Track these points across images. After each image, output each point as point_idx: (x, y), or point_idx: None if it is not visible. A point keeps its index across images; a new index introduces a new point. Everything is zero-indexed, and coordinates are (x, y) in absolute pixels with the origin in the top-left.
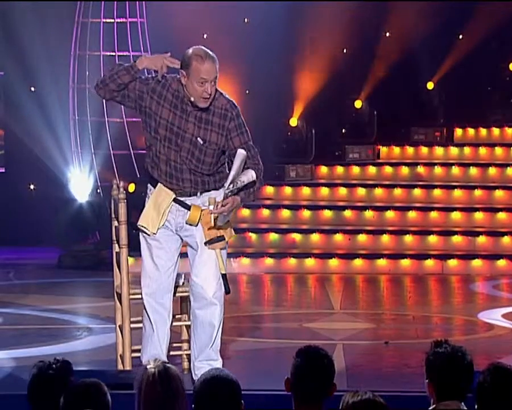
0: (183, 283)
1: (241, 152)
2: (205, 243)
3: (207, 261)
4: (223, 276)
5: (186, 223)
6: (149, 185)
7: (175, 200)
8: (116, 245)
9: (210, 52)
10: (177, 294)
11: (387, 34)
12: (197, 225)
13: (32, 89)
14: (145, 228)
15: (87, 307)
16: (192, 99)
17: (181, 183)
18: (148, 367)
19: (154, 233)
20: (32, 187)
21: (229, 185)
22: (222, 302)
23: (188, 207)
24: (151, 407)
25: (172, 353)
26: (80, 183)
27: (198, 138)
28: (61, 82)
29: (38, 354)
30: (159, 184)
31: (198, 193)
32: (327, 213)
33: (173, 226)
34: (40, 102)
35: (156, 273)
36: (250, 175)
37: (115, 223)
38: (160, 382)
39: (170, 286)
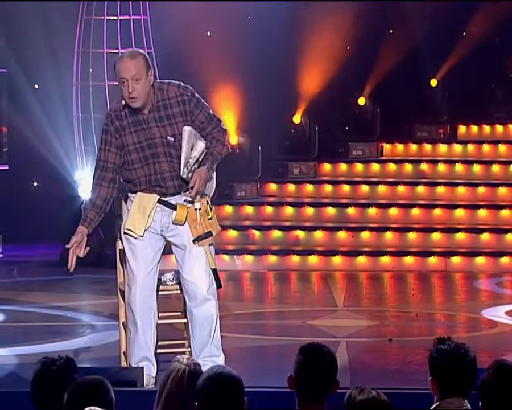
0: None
1: (185, 129)
2: (194, 241)
3: (197, 258)
4: (214, 271)
5: (173, 223)
6: (129, 194)
7: (159, 201)
8: (120, 242)
9: (135, 51)
10: (180, 292)
11: (391, 31)
12: (184, 223)
13: (36, 86)
14: (131, 231)
15: (91, 304)
16: (124, 102)
17: (164, 190)
18: (179, 361)
19: (141, 236)
20: (35, 184)
21: (184, 169)
22: (216, 296)
23: (172, 207)
24: (173, 400)
25: (175, 350)
26: (83, 180)
27: (168, 137)
28: (65, 79)
29: (41, 351)
30: (139, 192)
31: (182, 192)
32: (330, 210)
33: (159, 227)
34: (43, 99)
35: (140, 274)
36: (199, 147)
37: (119, 220)
38: (188, 379)
39: (155, 286)
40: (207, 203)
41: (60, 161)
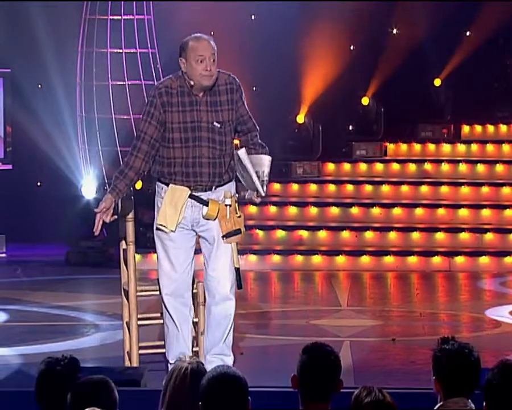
0: None
1: (242, 152)
2: (223, 236)
3: (224, 255)
4: (237, 270)
5: (204, 218)
6: (159, 184)
7: (191, 196)
8: (124, 242)
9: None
10: None
11: (394, 31)
12: (215, 219)
13: (40, 86)
14: (163, 226)
15: (95, 303)
16: (192, 83)
17: (198, 177)
18: (182, 360)
19: (172, 231)
20: (39, 183)
21: (263, 187)
22: (235, 295)
23: (203, 202)
24: (177, 399)
25: None
26: (87, 180)
27: (215, 123)
28: (69, 79)
29: (45, 351)
30: (171, 184)
31: (214, 188)
32: (334, 210)
33: (189, 222)
34: (47, 99)
35: (174, 273)
36: (267, 161)
37: (122, 220)
38: (191, 378)
39: (189, 283)
40: (236, 202)
41: (64, 161)
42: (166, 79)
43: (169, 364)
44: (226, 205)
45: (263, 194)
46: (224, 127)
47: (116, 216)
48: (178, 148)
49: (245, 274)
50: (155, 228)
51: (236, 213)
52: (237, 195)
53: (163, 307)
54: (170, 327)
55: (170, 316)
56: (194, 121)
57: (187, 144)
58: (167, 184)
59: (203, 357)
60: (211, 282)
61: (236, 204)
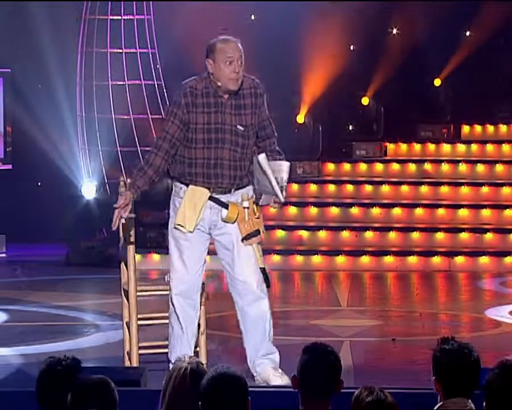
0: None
1: (262, 158)
2: (242, 239)
3: (247, 258)
4: (263, 270)
5: (223, 220)
6: (178, 184)
7: (210, 198)
8: (123, 241)
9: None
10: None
11: (394, 31)
12: (234, 222)
13: (40, 86)
14: (182, 226)
15: (95, 303)
16: (219, 84)
17: (219, 179)
18: (181, 360)
19: (190, 231)
20: (39, 184)
21: (282, 192)
22: (267, 294)
23: (223, 204)
24: (177, 400)
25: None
26: (87, 180)
27: (238, 126)
28: (69, 79)
29: (45, 351)
30: (191, 185)
31: (233, 190)
32: (334, 210)
33: (207, 224)
34: (47, 99)
35: (186, 274)
36: (286, 167)
37: (122, 220)
38: (190, 378)
39: (199, 286)
40: (254, 203)
41: (64, 161)
42: (191, 80)
43: (170, 364)
44: (244, 207)
45: (282, 200)
46: (248, 130)
47: (134, 214)
48: (201, 149)
49: None
50: (171, 227)
51: (255, 214)
52: (254, 196)
53: (171, 306)
54: (176, 327)
55: (177, 316)
56: (218, 122)
57: (209, 146)
58: (187, 185)
59: (251, 360)
60: (239, 286)
61: (255, 205)
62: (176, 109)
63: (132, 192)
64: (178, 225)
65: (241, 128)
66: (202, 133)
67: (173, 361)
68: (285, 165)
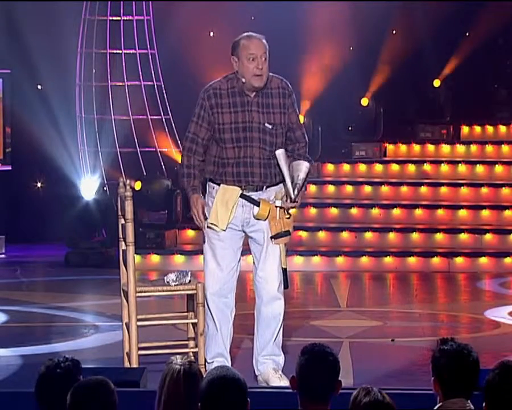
0: (189, 281)
1: (278, 153)
2: (271, 237)
3: (272, 256)
4: (284, 271)
5: (255, 218)
6: (211, 184)
7: (242, 196)
8: (123, 242)
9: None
10: (183, 292)
11: (394, 32)
12: (265, 219)
13: (39, 86)
14: (215, 225)
15: (94, 304)
16: (244, 80)
17: (250, 177)
18: (173, 362)
19: (223, 230)
20: (38, 184)
21: (295, 191)
22: (283, 294)
23: (254, 202)
24: (172, 402)
25: (178, 351)
26: (87, 181)
27: (266, 124)
28: (68, 80)
29: (45, 351)
30: (222, 184)
31: (264, 188)
32: (333, 211)
33: (240, 222)
34: (46, 100)
35: (220, 273)
36: (305, 168)
37: (122, 221)
38: (184, 380)
39: (234, 285)
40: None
41: (64, 161)
42: (215, 81)
43: (206, 363)
44: (277, 206)
45: (293, 197)
46: (276, 129)
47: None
48: (230, 149)
49: (245, 275)
50: (204, 226)
51: (286, 214)
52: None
53: (206, 305)
54: (211, 326)
55: (212, 315)
56: (245, 121)
57: (238, 144)
58: (219, 184)
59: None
60: (259, 283)
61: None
62: (202, 111)
63: (197, 192)
64: (211, 224)
65: (269, 126)
66: (230, 132)
67: (208, 360)
68: (303, 164)
